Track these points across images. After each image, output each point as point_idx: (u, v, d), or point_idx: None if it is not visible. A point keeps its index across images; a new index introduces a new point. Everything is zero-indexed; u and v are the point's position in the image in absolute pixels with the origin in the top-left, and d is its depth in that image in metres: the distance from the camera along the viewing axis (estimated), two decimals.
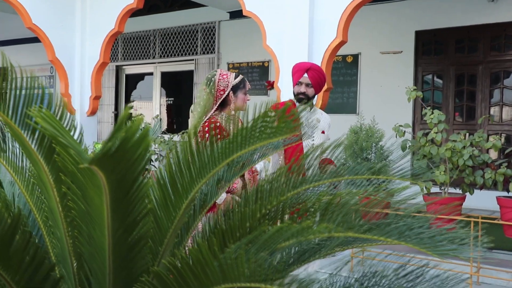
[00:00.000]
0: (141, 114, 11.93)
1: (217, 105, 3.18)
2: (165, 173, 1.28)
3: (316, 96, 4.08)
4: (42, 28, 7.23)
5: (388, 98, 8.85)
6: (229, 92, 3.18)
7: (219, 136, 2.98)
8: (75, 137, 1.27)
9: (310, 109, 3.96)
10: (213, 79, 3.19)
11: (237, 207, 1.32)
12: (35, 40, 7.75)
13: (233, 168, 1.67)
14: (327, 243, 1.42)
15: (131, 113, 9.49)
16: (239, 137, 1.18)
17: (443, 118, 5.06)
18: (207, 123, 3.06)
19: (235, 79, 3.23)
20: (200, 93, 3.23)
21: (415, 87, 5.36)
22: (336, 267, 1.73)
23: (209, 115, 3.13)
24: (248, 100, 3.36)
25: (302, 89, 3.85)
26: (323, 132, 3.93)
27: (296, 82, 3.89)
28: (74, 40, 7.74)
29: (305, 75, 3.86)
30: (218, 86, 3.17)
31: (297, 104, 3.90)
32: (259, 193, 1.35)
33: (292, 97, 4.03)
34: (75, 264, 1.35)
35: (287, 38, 6.04)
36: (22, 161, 1.46)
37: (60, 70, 7.61)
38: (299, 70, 3.93)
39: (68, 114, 1.33)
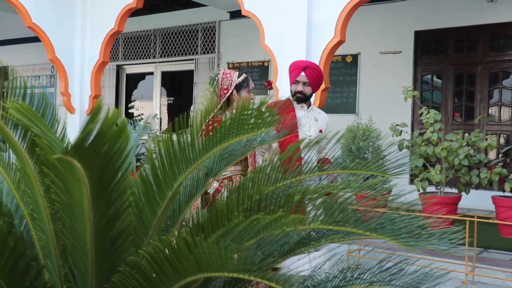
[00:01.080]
0: (142, 114, 12.02)
1: (220, 104, 3.19)
2: (148, 167, 1.31)
3: (313, 95, 4.05)
4: (42, 27, 7.27)
5: (387, 98, 8.86)
6: (232, 91, 3.19)
7: None
8: (58, 131, 1.30)
9: (308, 107, 3.94)
10: (216, 78, 3.20)
11: (218, 203, 1.35)
12: (37, 39, 7.79)
13: (221, 161, 1.70)
14: (309, 236, 1.44)
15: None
16: (218, 134, 1.21)
17: (439, 118, 5.07)
18: (210, 122, 3.07)
19: (238, 78, 3.24)
20: (203, 92, 3.25)
21: (411, 87, 5.38)
22: (334, 264, 1.76)
23: (212, 114, 3.13)
24: (252, 98, 3.37)
25: (299, 87, 3.80)
26: (320, 131, 3.90)
27: (293, 81, 3.82)
28: (74, 39, 7.77)
29: (302, 73, 3.78)
30: (221, 85, 3.18)
31: (294, 103, 3.87)
32: (240, 190, 1.38)
33: (289, 95, 4.00)
34: (59, 256, 1.38)
35: (285, 37, 6.05)
36: (9, 156, 1.49)
37: (60, 69, 7.65)
38: (296, 69, 3.87)
39: (52, 109, 1.36)
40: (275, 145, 3.47)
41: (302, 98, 3.83)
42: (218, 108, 3.17)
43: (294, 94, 3.84)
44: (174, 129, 1.31)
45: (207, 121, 3.08)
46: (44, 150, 1.07)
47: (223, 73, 3.23)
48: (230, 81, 3.20)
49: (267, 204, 1.30)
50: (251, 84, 3.35)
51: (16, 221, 1.64)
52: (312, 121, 3.86)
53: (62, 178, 1.17)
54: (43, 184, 1.31)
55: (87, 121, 0.94)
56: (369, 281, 1.64)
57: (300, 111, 3.85)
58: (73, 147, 0.93)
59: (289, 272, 1.67)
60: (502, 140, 8.31)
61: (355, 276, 1.65)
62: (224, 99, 3.18)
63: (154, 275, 1.16)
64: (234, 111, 1.21)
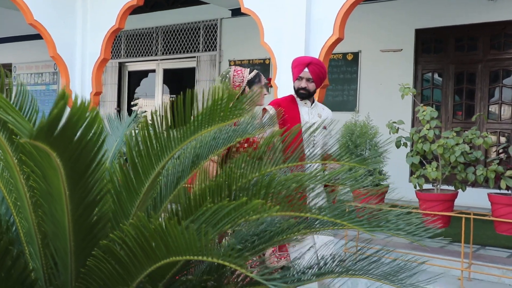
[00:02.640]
0: (145, 112, 12.02)
1: (233, 101, 3.19)
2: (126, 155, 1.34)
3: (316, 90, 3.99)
4: (44, 24, 7.32)
5: (388, 96, 8.87)
6: (244, 87, 3.21)
7: None
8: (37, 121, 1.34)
9: (311, 104, 3.87)
10: (227, 75, 3.21)
11: (192, 193, 1.40)
12: (40, 36, 7.87)
13: (204, 151, 1.74)
14: (284, 226, 1.48)
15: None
16: (192, 126, 1.24)
17: (436, 115, 5.08)
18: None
19: (249, 74, 3.25)
20: None
21: (408, 84, 5.40)
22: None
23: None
24: (265, 94, 3.35)
25: (303, 84, 3.73)
26: (324, 127, 3.86)
27: (297, 77, 3.77)
28: (75, 36, 7.82)
29: (306, 69, 3.72)
30: (233, 82, 3.20)
31: (298, 99, 3.83)
32: (216, 182, 1.41)
33: (292, 92, 3.96)
34: (41, 243, 1.42)
35: (284, 35, 6.09)
36: None
37: (61, 66, 7.70)
38: (299, 65, 3.80)
39: (31, 100, 1.40)
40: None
41: (306, 95, 3.77)
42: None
43: (297, 90, 3.80)
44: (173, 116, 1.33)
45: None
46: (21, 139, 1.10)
47: (234, 70, 3.25)
48: (241, 78, 3.22)
49: (237, 195, 1.33)
50: (263, 80, 3.34)
51: (3, 209, 1.68)
52: (315, 117, 3.81)
53: (40, 166, 1.20)
54: (23, 172, 1.35)
55: (52, 107, 0.98)
56: (349, 269, 1.69)
57: (304, 107, 3.81)
58: (38, 131, 0.97)
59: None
60: (503, 139, 8.31)
61: (335, 263, 1.69)
62: (237, 96, 3.19)
63: (127, 259, 1.19)
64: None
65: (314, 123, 3.77)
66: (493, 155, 7.81)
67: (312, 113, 3.82)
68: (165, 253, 1.11)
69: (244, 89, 3.21)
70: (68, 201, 1.24)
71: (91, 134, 1.11)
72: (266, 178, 1.28)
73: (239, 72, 3.24)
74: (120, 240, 1.16)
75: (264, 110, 3.71)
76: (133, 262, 1.19)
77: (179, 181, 1.65)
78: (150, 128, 1.28)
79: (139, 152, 1.31)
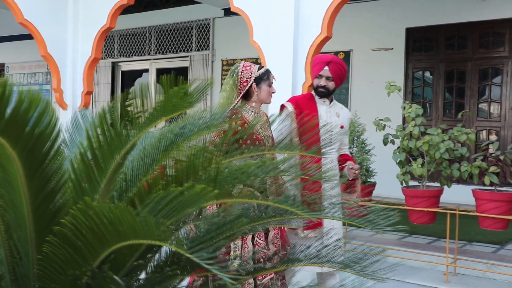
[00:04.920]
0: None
1: (240, 96, 3.16)
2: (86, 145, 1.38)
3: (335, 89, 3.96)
4: (34, 24, 7.34)
5: (379, 94, 8.90)
6: (252, 83, 3.17)
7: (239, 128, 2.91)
8: None
9: (330, 103, 3.84)
10: (236, 70, 3.17)
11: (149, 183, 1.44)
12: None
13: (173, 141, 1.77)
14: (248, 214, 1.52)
15: None
16: (149, 118, 1.28)
17: (421, 112, 5.13)
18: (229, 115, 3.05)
19: (258, 70, 3.20)
20: (224, 85, 3.23)
21: (394, 81, 5.45)
22: None
23: (231, 107, 3.09)
24: (273, 92, 3.30)
25: (322, 82, 3.69)
26: (342, 126, 3.85)
27: (316, 75, 3.75)
28: (66, 35, 7.85)
29: (326, 68, 3.69)
30: (241, 77, 3.15)
31: (316, 97, 3.83)
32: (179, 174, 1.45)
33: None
34: (4, 233, 1.45)
35: (273, 34, 6.13)
36: None
37: (52, 65, 7.73)
38: (319, 63, 3.77)
39: None
40: (296, 139, 3.46)
41: (325, 93, 3.73)
42: (238, 101, 3.15)
43: (316, 88, 3.77)
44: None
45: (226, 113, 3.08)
46: None
47: (243, 66, 3.20)
48: (249, 74, 3.16)
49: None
50: (272, 77, 3.30)
51: None
52: (333, 116, 3.77)
53: None
54: None
55: None
56: (312, 257, 1.73)
57: (322, 106, 3.81)
58: None
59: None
60: (493, 137, 8.37)
61: (299, 250, 1.74)
62: (244, 92, 3.16)
63: (80, 244, 1.23)
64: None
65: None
66: (483, 152, 7.86)
67: (330, 112, 3.79)
68: (116, 238, 1.15)
69: (251, 86, 3.17)
70: (26, 191, 1.27)
71: (45, 124, 1.15)
72: (213, 171, 1.32)
73: (247, 67, 3.19)
74: (71, 225, 1.20)
75: (282, 106, 3.72)
76: (86, 246, 1.22)
77: (147, 172, 1.69)
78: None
79: (97, 141, 1.34)
